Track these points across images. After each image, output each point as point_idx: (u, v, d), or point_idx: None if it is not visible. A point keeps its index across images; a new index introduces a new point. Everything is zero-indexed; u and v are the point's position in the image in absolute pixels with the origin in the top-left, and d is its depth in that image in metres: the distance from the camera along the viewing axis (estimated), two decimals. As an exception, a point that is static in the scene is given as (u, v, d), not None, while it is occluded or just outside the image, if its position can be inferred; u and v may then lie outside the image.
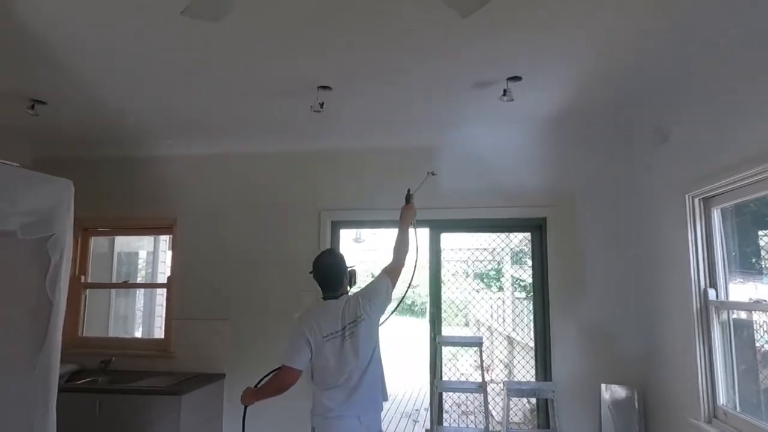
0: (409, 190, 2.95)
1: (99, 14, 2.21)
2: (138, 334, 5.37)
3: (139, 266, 6.23)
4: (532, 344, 3.83)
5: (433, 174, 3.13)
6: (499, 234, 4.27)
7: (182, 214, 4.12)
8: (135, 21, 2.26)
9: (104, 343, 4.15)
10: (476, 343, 3.49)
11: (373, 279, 2.59)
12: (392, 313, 2.95)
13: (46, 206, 2.27)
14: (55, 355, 2.30)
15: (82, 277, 4.24)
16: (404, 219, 2.78)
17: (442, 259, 3.88)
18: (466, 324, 8.25)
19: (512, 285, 7.12)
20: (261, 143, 4.00)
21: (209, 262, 4.03)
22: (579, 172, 3.68)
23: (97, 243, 4.70)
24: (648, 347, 3.38)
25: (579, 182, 3.67)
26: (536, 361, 3.73)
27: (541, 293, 3.72)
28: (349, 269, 2.55)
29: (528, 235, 3.97)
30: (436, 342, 3.56)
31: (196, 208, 4.11)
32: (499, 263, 7.57)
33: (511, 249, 6.44)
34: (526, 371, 3.94)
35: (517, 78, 2.82)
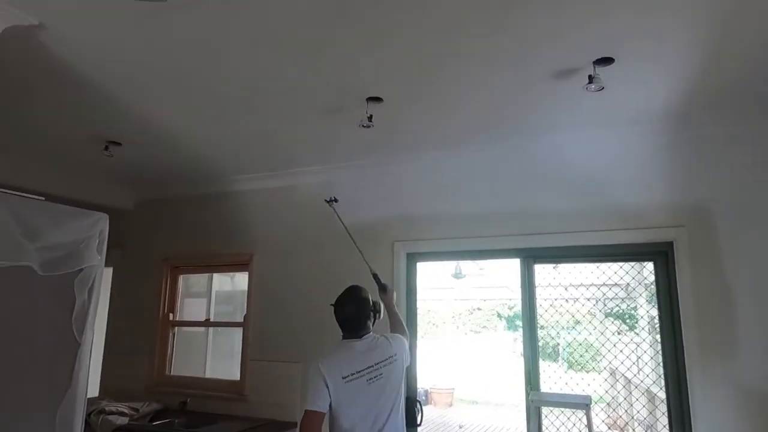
0: (375, 276, 2.85)
1: (142, 46, 2.17)
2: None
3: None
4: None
5: (333, 201, 3.04)
6: (628, 265, 3.41)
7: (258, 250, 3.99)
8: (177, 45, 2.16)
9: (187, 382, 4.10)
10: (582, 405, 2.73)
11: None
12: None
13: (74, 241, 2.17)
14: (80, 401, 2.15)
15: (171, 315, 4.29)
16: (388, 304, 2.73)
17: (537, 295, 3.20)
18: (593, 370, 7.15)
19: (649, 326, 5.95)
20: (326, 170, 3.76)
21: (282, 300, 3.82)
22: (715, 180, 2.81)
23: (197, 282, 4.81)
24: None
25: (716, 193, 2.79)
26: (671, 426, 2.83)
27: (672, 340, 2.86)
28: (373, 302, 2.44)
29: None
30: (530, 400, 2.86)
31: (270, 244, 3.95)
32: (632, 300, 6.50)
33: (644, 282, 5.42)
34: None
35: (607, 60, 2.19)
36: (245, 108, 2.79)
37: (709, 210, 2.80)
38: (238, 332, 4.01)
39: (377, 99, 2.60)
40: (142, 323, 4.26)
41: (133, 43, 2.13)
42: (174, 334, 4.31)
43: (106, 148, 3.28)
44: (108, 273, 4.45)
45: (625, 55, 2.15)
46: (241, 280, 5.79)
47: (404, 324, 2.72)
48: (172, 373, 4.22)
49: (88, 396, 2.26)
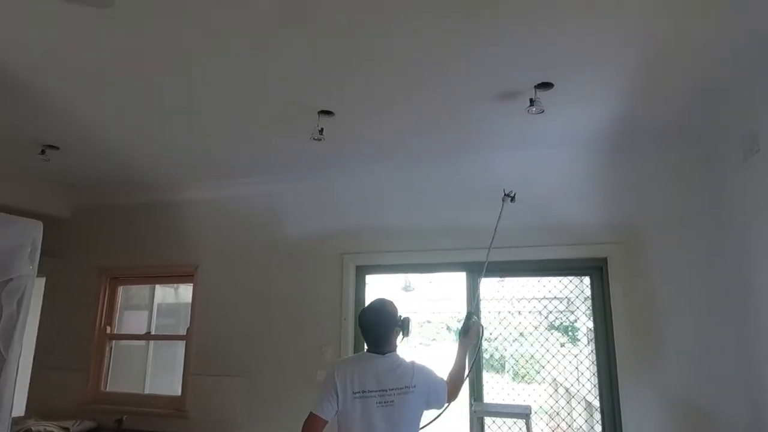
0: (469, 311, 2.59)
1: (86, 55, 2.09)
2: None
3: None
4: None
5: (510, 198, 2.64)
6: (568, 279, 3.58)
7: (203, 261, 3.89)
8: (125, 55, 2.09)
9: (124, 399, 3.91)
10: (522, 414, 2.82)
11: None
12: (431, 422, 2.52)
13: (3, 249, 2.06)
14: (3, 420, 2.03)
15: (108, 328, 4.10)
16: (463, 344, 2.48)
17: (483, 308, 3.29)
18: (534, 382, 7.32)
19: (587, 338, 6.21)
20: (274, 181, 3.74)
21: (228, 313, 3.73)
22: (647, 201, 3.00)
23: (137, 294, 4.62)
24: (754, 429, 2.54)
25: (648, 213, 2.98)
26: (603, 429, 2.97)
27: (606, 351, 3.01)
28: (402, 318, 2.27)
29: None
30: (473, 411, 2.93)
31: (216, 255, 3.87)
32: (573, 313, 6.74)
33: (583, 296, 5.65)
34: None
35: (547, 85, 2.31)
36: (186, 117, 2.75)
37: (641, 228, 2.98)
38: (181, 346, 3.88)
39: (329, 113, 2.63)
40: (76, 336, 4.04)
41: (72, 48, 2.05)
42: (111, 348, 4.12)
43: (43, 152, 3.13)
44: (40, 283, 4.21)
45: (564, 81, 2.28)
46: (185, 293, 5.60)
47: (462, 379, 2.40)
48: (107, 390, 4.02)
49: (13, 415, 2.14)
